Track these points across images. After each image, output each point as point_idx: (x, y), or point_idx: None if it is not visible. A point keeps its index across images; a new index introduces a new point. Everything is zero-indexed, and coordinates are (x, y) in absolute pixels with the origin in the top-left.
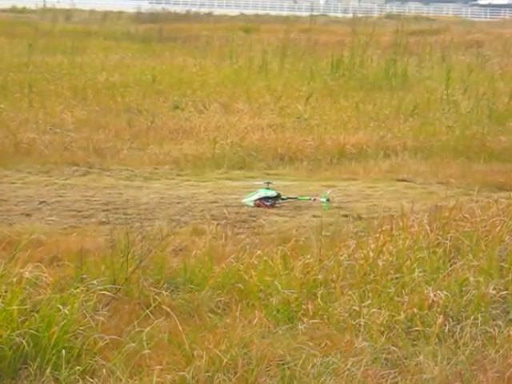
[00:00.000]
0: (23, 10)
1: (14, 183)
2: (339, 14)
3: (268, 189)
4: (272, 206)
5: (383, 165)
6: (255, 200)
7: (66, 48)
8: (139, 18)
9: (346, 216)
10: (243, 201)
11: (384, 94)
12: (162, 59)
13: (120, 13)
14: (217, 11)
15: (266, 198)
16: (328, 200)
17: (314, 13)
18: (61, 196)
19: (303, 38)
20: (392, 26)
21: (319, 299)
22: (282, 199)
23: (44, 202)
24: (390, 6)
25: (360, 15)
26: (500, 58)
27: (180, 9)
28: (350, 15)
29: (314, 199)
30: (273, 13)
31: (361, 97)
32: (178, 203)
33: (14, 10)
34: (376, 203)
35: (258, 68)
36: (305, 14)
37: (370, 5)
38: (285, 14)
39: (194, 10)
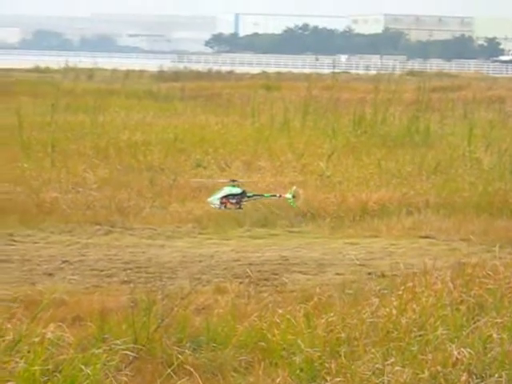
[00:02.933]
0: (46, 70)
1: (36, 243)
2: (361, 71)
3: (234, 186)
4: (238, 203)
5: (406, 222)
6: (221, 198)
7: (88, 107)
8: (161, 76)
9: (369, 274)
10: (209, 200)
11: (406, 150)
12: (184, 117)
13: (142, 71)
14: (238, 69)
15: (232, 196)
16: (294, 197)
17: (336, 70)
18: (83, 255)
19: (325, 95)
20: (414, 83)
21: (342, 357)
22: (248, 197)
23: (66, 261)
24: (412, 62)
25: (382, 72)
26: None
27: (202, 67)
28: (372, 72)
29: (280, 196)
30: (295, 70)
31: (383, 154)
32: (201, 262)
33: (37, 69)
34: (399, 260)
35: (279, 126)
36: (327, 71)
37: (392, 62)
38: (307, 71)
39: (215, 68)
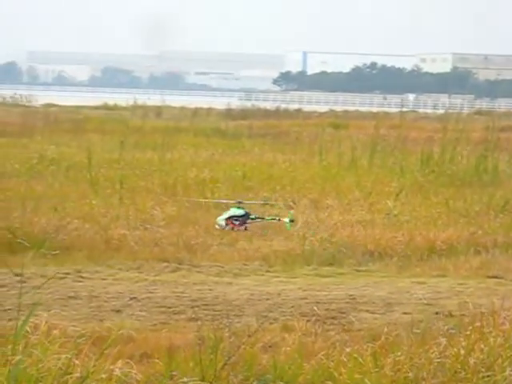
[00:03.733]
0: (114, 107)
1: (104, 279)
2: (429, 110)
3: (239, 208)
4: (241, 225)
5: (474, 261)
6: (226, 219)
7: (157, 144)
8: (229, 114)
9: (437, 313)
10: (217, 219)
11: (474, 190)
12: (251, 155)
13: (210, 109)
14: (306, 107)
15: (235, 217)
16: (292, 221)
17: (404, 109)
18: (151, 292)
19: (393, 133)
20: (482, 122)
21: None
22: (251, 219)
23: (134, 298)
24: (480, 102)
25: (450, 111)
26: None
27: (270, 105)
28: (440, 111)
29: (279, 219)
30: (362, 109)
31: (451, 193)
32: (268, 299)
33: (105, 106)
34: (466, 300)
35: (347, 164)
36: (394, 109)
37: (460, 101)
38: (374, 109)
39: (283, 106)
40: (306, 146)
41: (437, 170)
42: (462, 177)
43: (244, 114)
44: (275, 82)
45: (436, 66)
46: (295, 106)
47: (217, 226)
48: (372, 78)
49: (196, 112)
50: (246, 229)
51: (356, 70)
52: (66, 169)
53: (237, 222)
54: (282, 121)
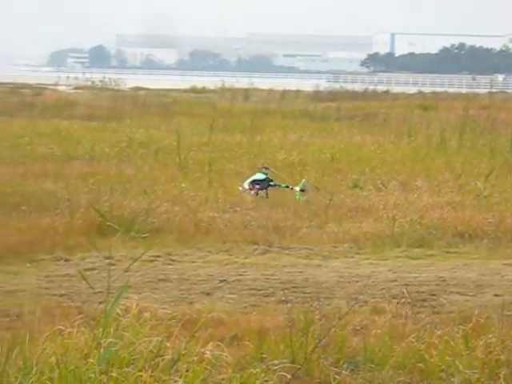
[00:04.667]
0: (202, 90)
1: (194, 262)
2: None
3: (262, 173)
4: (261, 189)
5: None
6: (249, 183)
7: (245, 127)
8: (317, 96)
9: None
10: (244, 183)
11: None
12: (340, 137)
13: (298, 91)
14: (394, 89)
15: (257, 181)
16: (302, 190)
17: (493, 90)
18: (241, 275)
19: (482, 115)
20: None
21: (502, 380)
22: (270, 185)
23: (224, 280)
24: None
25: None
26: None
27: (358, 87)
28: None
29: (292, 188)
30: (451, 90)
31: None
32: (357, 282)
33: (193, 90)
34: None
35: (436, 145)
36: (483, 90)
37: None
38: (463, 91)
39: (371, 87)
40: (395, 127)
41: None
42: None
43: (332, 95)
44: (363, 63)
45: None
46: (383, 88)
47: (240, 188)
48: (460, 59)
49: (284, 94)
50: (267, 196)
51: (444, 51)
52: (155, 152)
53: (257, 186)
54: (370, 102)
